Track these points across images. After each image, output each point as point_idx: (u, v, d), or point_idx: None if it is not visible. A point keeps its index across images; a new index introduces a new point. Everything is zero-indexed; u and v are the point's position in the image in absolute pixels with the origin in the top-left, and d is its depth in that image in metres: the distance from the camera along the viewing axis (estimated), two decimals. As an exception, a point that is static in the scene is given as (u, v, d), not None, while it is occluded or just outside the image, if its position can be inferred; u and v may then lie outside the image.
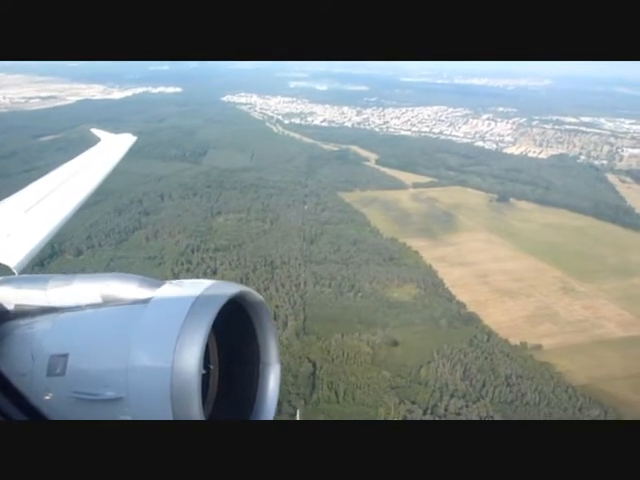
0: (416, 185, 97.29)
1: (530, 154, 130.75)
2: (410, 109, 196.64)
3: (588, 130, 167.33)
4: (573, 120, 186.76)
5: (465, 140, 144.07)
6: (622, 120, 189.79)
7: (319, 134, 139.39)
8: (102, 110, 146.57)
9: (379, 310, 50.49)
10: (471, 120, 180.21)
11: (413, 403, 37.26)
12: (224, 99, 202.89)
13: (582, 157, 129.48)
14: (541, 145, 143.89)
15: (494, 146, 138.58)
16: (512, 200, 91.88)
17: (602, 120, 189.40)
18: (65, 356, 2.17)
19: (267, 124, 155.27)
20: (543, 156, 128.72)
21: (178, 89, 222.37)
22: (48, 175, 6.89)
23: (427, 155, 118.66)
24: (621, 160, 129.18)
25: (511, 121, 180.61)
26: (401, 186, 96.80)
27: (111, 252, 59.42)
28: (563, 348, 47.56)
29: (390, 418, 35.19)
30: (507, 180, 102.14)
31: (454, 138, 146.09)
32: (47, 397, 2.17)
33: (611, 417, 37.76)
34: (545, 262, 65.64)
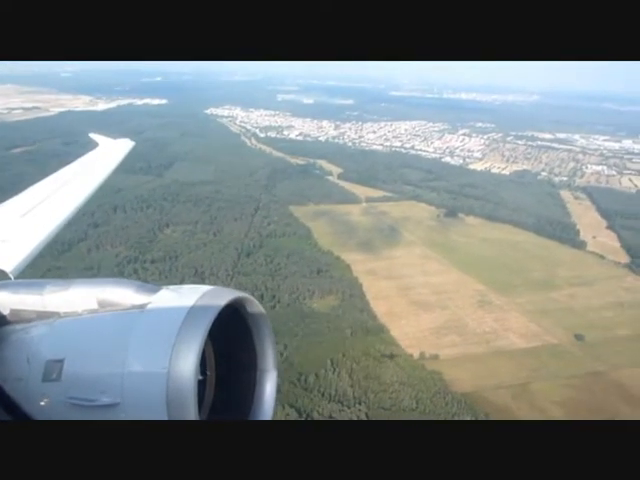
0: (370, 199, 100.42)
1: (494, 170, 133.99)
2: (389, 123, 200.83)
3: (559, 147, 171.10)
4: (548, 136, 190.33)
5: (433, 155, 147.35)
6: (597, 137, 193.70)
7: (291, 148, 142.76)
8: (82, 122, 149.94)
9: (292, 320, 53.18)
10: (447, 135, 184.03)
11: (291, 407, 39.96)
12: (207, 112, 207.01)
13: (544, 173, 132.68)
14: (508, 161, 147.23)
15: (460, 161, 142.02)
16: (460, 215, 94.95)
17: (577, 136, 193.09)
18: (61, 361, 2.18)
19: (242, 137, 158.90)
20: (506, 172, 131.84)
21: (164, 101, 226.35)
22: (45, 179, 6.95)
23: (390, 170, 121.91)
24: (582, 177, 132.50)
25: (486, 137, 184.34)
26: (355, 200, 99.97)
27: (51, 262, 62.24)
28: (459, 358, 50.24)
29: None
30: (461, 195, 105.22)
31: (423, 153, 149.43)
32: (42, 402, 2.17)
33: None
34: (471, 276, 68.46)
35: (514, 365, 49.78)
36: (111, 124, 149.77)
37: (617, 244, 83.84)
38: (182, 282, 2.58)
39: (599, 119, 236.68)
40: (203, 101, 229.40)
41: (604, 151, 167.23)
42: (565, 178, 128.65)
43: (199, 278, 59.71)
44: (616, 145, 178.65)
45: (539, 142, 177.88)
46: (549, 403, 44.38)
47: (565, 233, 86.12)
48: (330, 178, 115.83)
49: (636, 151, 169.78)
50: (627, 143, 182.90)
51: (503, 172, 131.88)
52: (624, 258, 77.96)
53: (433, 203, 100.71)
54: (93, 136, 10.04)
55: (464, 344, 52.94)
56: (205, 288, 2.27)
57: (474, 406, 42.46)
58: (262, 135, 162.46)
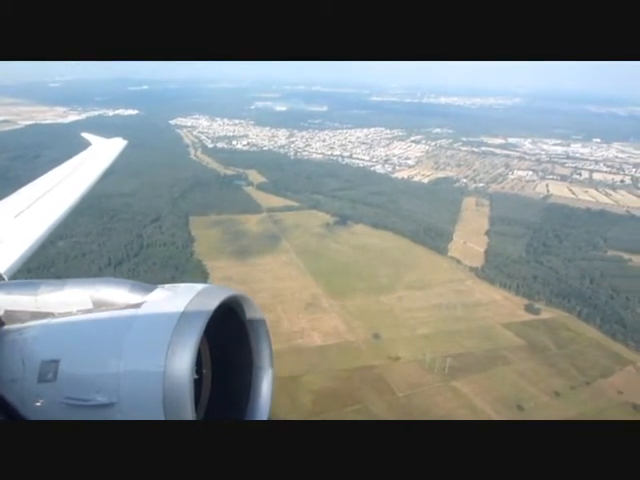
0: (272, 209, 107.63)
1: (416, 178, 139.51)
2: (345, 131, 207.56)
3: (500, 152, 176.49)
4: (498, 141, 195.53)
5: (366, 164, 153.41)
6: (547, 141, 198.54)
7: (229, 158, 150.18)
8: (41, 135, 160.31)
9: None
10: (395, 142, 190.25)
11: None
12: (172, 122, 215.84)
13: (464, 180, 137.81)
14: (437, 169, 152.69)
15: (389, 169, 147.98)
16: (349, 223, 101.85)
17: (527, 141, 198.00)
18: (56, 362, 2.19)
19: (190, 148, 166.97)
20: (425, 180, 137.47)
21: (135, 112, 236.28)
22: (38, 179, 6.88)
23: (309, 180, 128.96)
24: (500, 183, 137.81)
25: (434, 143, 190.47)
26: (257, 210, 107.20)
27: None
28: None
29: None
30: (362, 204, 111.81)
31: (357, 162, 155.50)
32: (38, 403, 2.19)
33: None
34: (317, 281, 75.53)
35: (299, 360, 56.76)
36: (68, 137, 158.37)
37: (482, 249, 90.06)
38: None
39: (565, 122, 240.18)
40: (175, 110, 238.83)
41: (543, 156, 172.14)
42: (482, 184, 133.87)
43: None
44: (560, 149, 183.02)
45: (484, 148, 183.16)
46: (305, 392, 51.57)
47: (437, 240, 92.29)
48: (248, 189, 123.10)
49: (577, 155, 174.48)
50: (575, 147, 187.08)
51: (423, 180, 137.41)
52: (479, 263, 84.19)
53: (331, 212, 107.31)
54: (86, 135, 10.43)
55: (266, 342, 59.91)
56: (200, 287, 2.40)
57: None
58: (210, 146, 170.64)
